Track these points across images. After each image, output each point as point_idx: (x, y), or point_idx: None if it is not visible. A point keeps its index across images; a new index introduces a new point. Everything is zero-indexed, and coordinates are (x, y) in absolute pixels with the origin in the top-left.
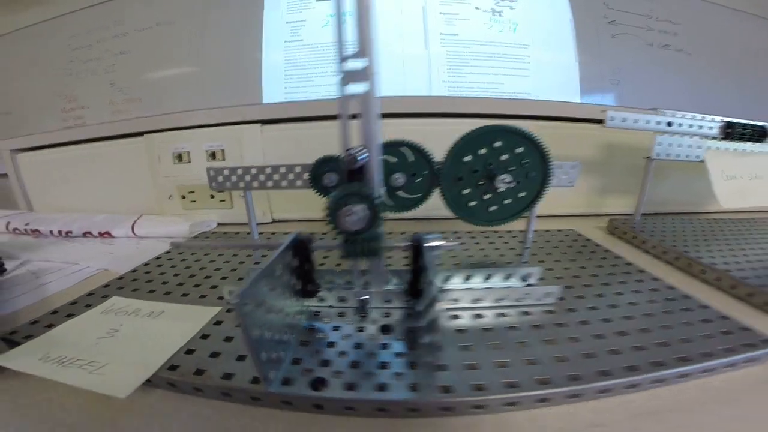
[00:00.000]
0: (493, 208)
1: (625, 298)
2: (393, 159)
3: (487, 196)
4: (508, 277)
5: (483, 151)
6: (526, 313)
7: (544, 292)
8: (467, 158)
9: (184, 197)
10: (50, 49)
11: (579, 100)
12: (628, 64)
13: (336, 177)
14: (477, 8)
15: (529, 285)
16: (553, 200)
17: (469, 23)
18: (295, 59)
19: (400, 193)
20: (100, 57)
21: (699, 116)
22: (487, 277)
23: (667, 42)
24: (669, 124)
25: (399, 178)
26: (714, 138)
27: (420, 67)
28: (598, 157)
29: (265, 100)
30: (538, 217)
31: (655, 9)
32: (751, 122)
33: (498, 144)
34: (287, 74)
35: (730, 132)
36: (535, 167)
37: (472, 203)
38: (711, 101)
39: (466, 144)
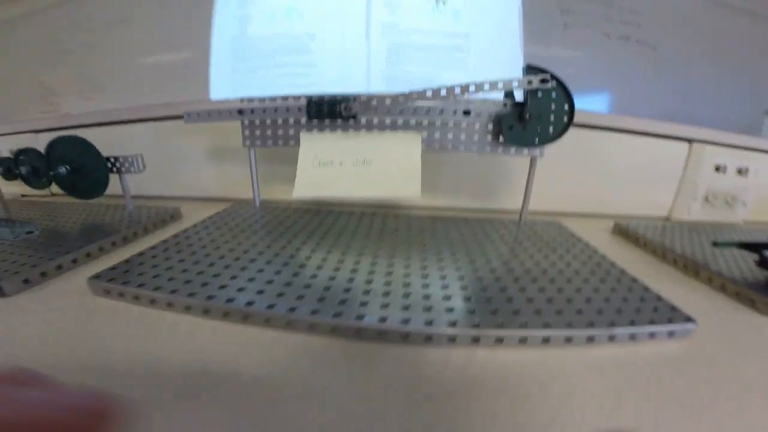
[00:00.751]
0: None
1: None
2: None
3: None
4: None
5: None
6: None
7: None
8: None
9: None
10: (30, 40)
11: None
12: (580, 56)
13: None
14: None
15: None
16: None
17: (411, 12)
18: (241, 53)
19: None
20: (73, 49)
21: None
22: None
23: (628, 33)
24: (240, 112)
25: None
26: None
27: (359, 58)
28: None
29: (213, 93)
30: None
31: None
32: (328, 97)
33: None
34: (235, 67)
35: (311, 110)
36: (92, 162)
37: (73, 185)
38: (679, 98)
39: (49, 148)
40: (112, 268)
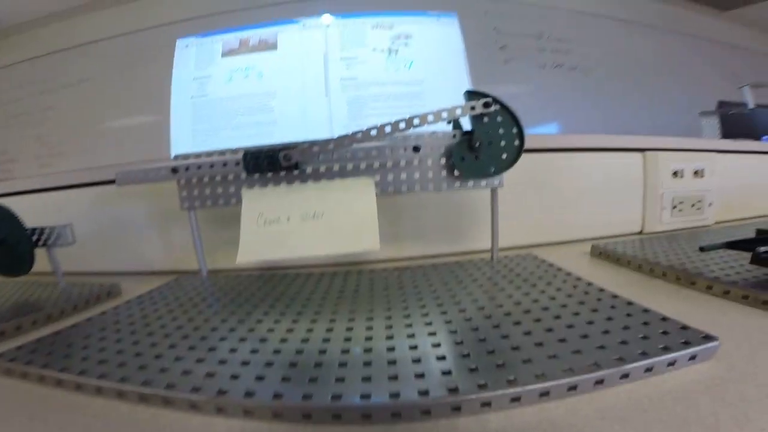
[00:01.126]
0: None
1: None
2: None
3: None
4: None
5: None
6: None
7: None
8: None
9: None
10: None
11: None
12: (523, 88)
13: None
14: (374, 49)
15: None
16: None
17: (367, 65)
18: (201, 114)
19: None
20: (29, 111)
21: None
22: None
23: (559, 61)
24: (174, 170)
25: None
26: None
27: (321, 114)
28: None
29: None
30: None
31: (546, 29)
32: (266, 147)
33: None
34: (195, 128)
35: (248, 164)
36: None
37: None
38: (616, 117)
39: None
40: (19, 348)
